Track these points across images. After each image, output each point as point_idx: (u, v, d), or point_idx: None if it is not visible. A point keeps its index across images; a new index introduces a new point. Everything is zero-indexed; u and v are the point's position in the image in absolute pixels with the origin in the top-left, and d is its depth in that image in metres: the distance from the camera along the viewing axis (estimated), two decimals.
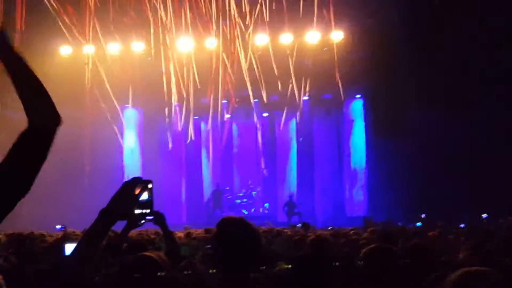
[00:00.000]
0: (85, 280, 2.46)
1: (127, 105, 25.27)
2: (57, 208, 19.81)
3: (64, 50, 23.76)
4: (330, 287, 3.35)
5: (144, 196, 2.58)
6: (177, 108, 24.02)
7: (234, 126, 27.06)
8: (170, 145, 25.08)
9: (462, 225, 14.98)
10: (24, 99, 2.26)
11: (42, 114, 2.24)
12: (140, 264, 3.33)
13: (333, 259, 3.86)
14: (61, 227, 15.02)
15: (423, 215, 20.15)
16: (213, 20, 21.89)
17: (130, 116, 26.03)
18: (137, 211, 2.58)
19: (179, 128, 24.94)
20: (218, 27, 22.03)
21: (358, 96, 25.22)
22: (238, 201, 25.93)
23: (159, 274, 3.26)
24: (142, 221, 2.84)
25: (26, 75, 2.29)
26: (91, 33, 22.20)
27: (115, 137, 24.99)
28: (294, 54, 22.57)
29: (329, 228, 16.51)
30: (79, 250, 2.49)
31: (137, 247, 5.05)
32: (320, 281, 3.40)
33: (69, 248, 6.08)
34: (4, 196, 2.15)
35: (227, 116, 25.22)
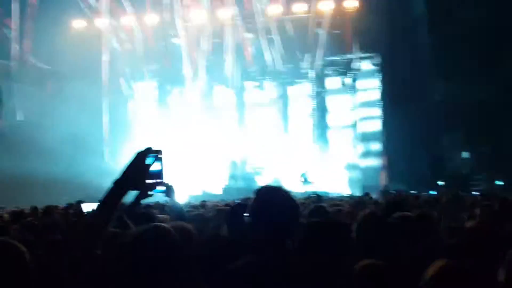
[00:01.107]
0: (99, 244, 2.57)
1: (141, 78, 25.51)
2: (77, 180, 20.02)
3: (77, 23, 23.82)
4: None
5: (155, 166, 2.66)
6: (190, 78, 24.14)
7: (250, 95, 27.03)
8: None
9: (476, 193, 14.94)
10: None
11: None
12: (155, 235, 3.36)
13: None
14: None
15: (440, 183, 20.11)
16: None
17: (145, 88, 26.20)
18: (148, 181, 2.68)
19: (194, 98, 25.19)
20: None
21: (374, 62, 24.99)
22: (253, 172, 25.89)
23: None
24: (152, 192, 2.90)
25: None
26: (104, 5, 22.23)
27: (131, 108, 25.35)
28: (309, 22, 22.58)
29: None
30: (95, 218, 2.60)
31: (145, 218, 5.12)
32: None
33: (85, 207, 6.30)
34: None
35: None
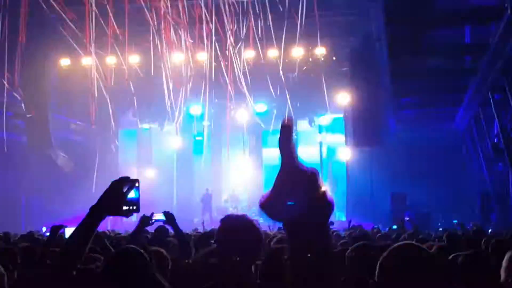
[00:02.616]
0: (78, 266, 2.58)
1: (126, 114, 25.64)
2: (67, 207, 19.86)
3: (64, 62, 23.85)
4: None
5: (132, 194, 2.67)
6: (171, 115, 24.19)
7: (224, 134, 27.12)
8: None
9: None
10: None
11: None
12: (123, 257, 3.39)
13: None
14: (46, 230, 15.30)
15: (407, 218, 20.16)
16: (205, 34, 22.06)
17: (128, 123, 26.50)
18: (125, 208, 2.66)
19: (176, 134, 25.30)
20: (209, 41, 22.22)
21: (339, 107, 25.26)
22: (226, 205, 25.82)
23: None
24: (153, 220, 2.90)
25: None
26: (92, 45, 22.21)
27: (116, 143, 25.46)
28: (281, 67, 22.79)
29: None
30: (71, 241, 2.60)
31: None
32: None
33: (69, 231, 6.27)
34: None
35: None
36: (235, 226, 3.21)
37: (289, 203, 1.83)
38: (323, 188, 1.86)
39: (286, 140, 1.84)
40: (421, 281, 2.38)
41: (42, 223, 18.07)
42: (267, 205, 1.88)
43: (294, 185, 1.79)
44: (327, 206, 1.85)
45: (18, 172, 21.64)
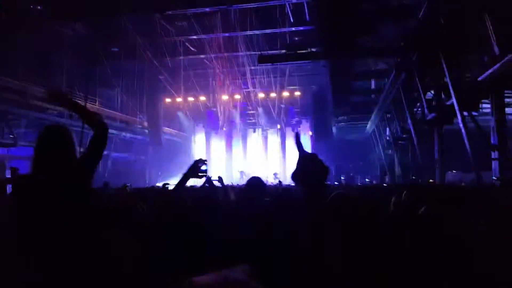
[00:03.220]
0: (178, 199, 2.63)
1: (198, 126, 25.65)
2: (170, 173, 19.67)
3: (167, 100, 23.93)
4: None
5: (203, 167, 2.71)
6: (226, 124, 24.21)
7: (251, 138, 27.02)
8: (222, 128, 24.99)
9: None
10: (89, 125, 2.20)
11: (99, 128, 2.17)
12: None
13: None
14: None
15: (342, 178, 20.00)
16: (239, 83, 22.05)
17: (199, 130, 26.38)
18: (200, 174, 2.70)
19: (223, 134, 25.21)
20: (241, 89, 22.23)
21: (306, 119, 25.12)
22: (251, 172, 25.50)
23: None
24: (213, 180, 2.92)
25: (87, 115, 2.23)
26: (182, 91, 22.32)
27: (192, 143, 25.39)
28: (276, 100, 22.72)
29: None
30: (174, 189, 2.65)
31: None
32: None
33: (172, 186, 6.36)
34: (91, 164, 2.14)
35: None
36: (254, 180, 3.24)
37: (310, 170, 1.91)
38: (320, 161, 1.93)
39: (298, 141, 1.94)
40: (347, 211, 2.41)
41: (157, 181, 18.16)
42: (295, 177, 1.96)
43: (309, 162, 1.87)
44: (325, 169, 1.92)
45: (144, 156, 21.73)
